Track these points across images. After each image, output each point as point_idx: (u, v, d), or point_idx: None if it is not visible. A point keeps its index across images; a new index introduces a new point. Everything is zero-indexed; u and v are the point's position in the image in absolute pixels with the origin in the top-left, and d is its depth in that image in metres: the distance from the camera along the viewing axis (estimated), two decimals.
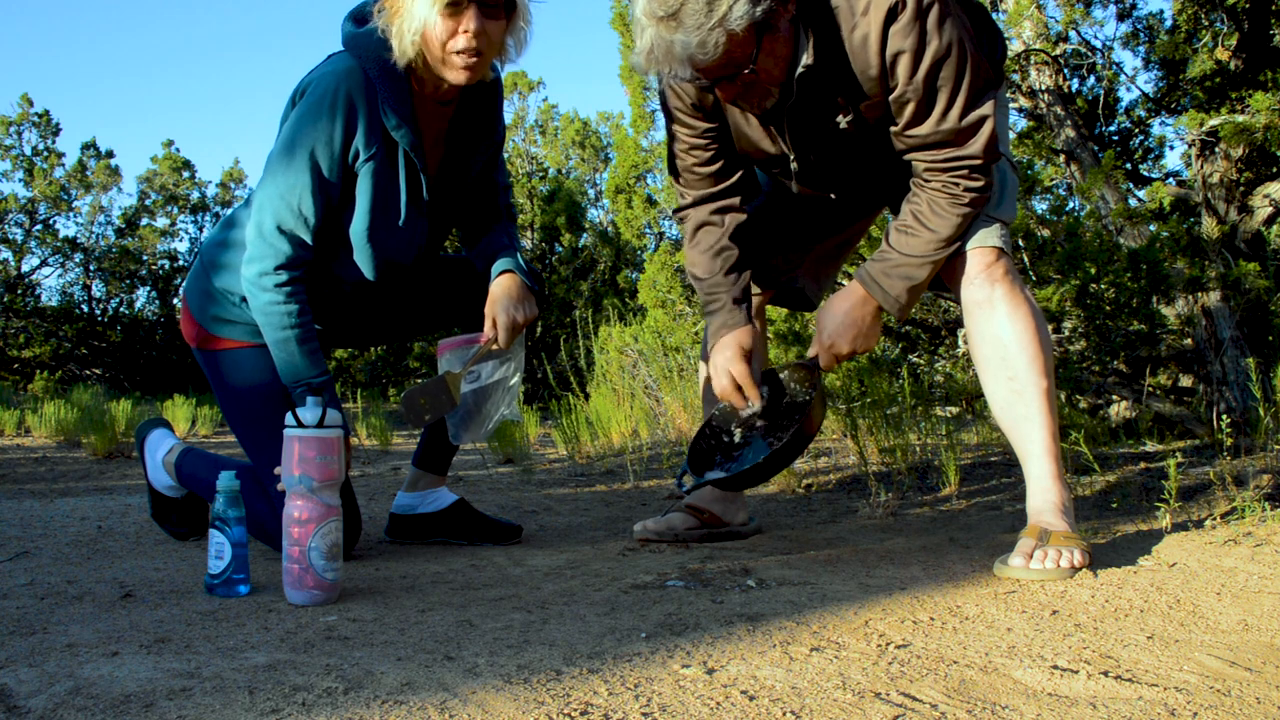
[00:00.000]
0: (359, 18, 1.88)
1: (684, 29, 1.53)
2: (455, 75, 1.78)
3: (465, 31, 1.73)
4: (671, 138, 1.92)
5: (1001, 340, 1.76)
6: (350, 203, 1.87)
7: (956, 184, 1.69)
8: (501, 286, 1.94)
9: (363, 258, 1.91)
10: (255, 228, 1.83)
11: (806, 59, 1.63)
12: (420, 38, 1.75)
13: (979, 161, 1.68)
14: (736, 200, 1.94)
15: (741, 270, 1.93)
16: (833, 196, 1.95)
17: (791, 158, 1.82)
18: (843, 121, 1.72)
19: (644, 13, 1.56)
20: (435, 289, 2.08)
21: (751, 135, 1.83)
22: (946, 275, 1.82)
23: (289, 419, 1.59)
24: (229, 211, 2.10)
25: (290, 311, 1.81)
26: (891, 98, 1.67)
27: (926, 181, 1.72)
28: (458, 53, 1.75)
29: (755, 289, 2.11)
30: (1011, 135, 4.11)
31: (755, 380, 1.87)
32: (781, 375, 1.93)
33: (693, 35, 1.53)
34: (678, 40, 1.54)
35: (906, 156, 1.74)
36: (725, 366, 1.87)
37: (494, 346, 1.92)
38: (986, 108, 1.66)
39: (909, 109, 1.66)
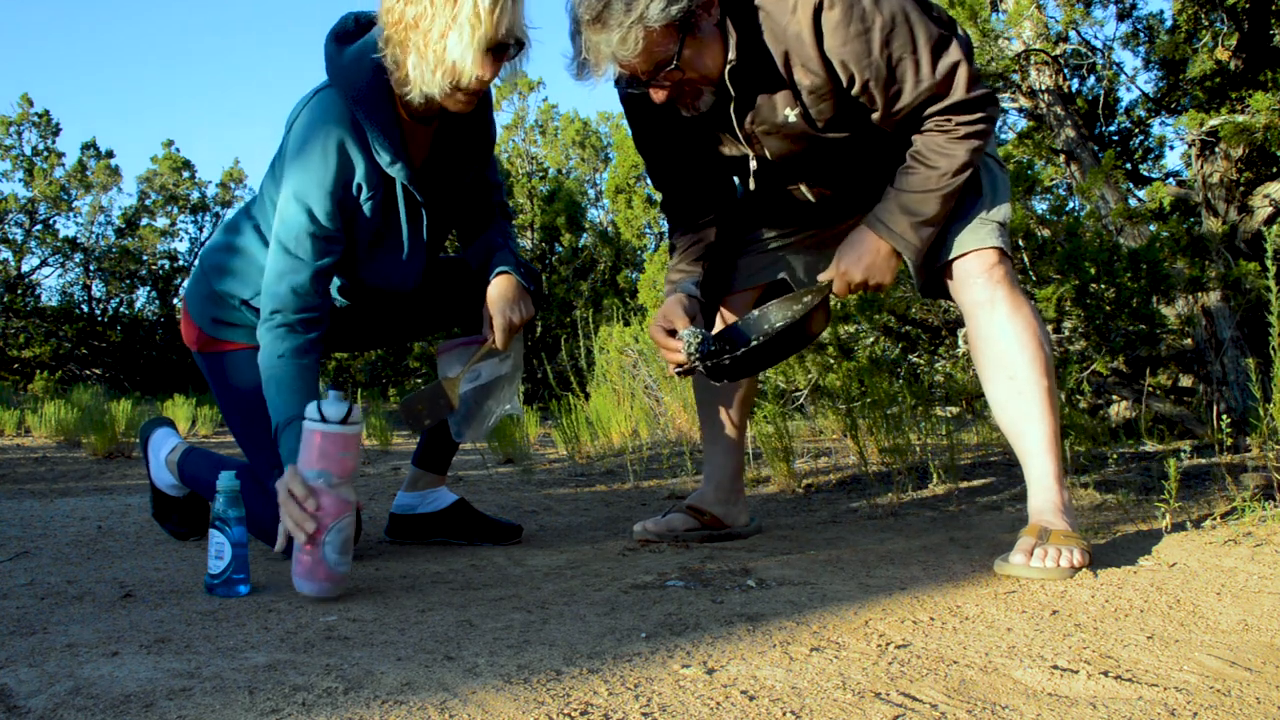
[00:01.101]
0: (341, 35, 1.85)
1: (607, 28, 1.62)
2: (456, 106, 1.79)
3: (487, 77, 1.73)
4: (643, 155, 2.02)
5: (1002, 340, 1.77)
6: (352, 235, 1.87)
7: (948, 120, 1.71)
8: (498, 288, 1.94)
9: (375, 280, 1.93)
10: (266, 278, 1.81)
11: (731, 55, 1.69)
12: (448, 78, 1.72)
13: (967, 98, 1.69)
14: (711, 206, 2.02)
15: (706, 260, 2.01)
16: (807, 193, 1.96)
17: (751, 157, 1.86)
18: (791, 114, 1.76)
19: (575, 20, 1.66)
20: (434, 293, 2.08)
21: (709, 142, 1.88)
22: (948, 278, 1.83)
23: (311, 411, 1.59)
24: (229, 215, 2.11)
25: (276, 352, 1.77)
26: (854, 91, 1.70)
27: (922, 130, 1.74)
28: (471, 92, 1.76)
29: (745, 287, 2.13)
30: (1010, 135, 4.12)
31: (685, 322, 1.88)
32: (799, 303, 1.93)
33: (614, 33, 1.61)
34: (602, 40, 1.63)
35: (903, 133, 1.76)
36: (661, 310, 1.92)
37: (492, 347, 1.93)
38: (953, 52, 1.68)
39: (880, 91, 1.69)
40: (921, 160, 1.73)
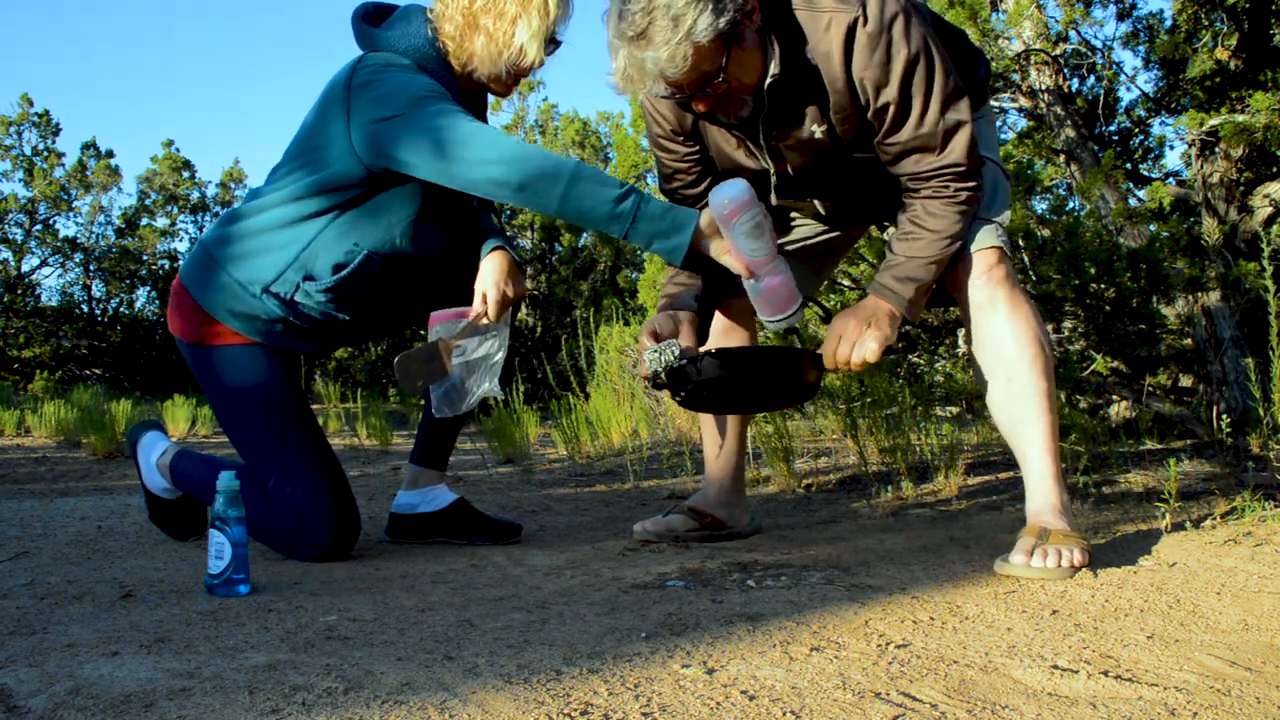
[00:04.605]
0: (366, 16, 1.90)
1: (653, 46, 1.58)
2: (501, 90, 1.96)
3: (542, 64, 1.91)
4: (658, 161, 1.97)
5: (1002, 341, 1.77)
6: (403, 184, 1.87)
7: (946, 186, 1.71)
8: (492, 262, 1.95)
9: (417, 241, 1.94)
10: (497, 152, 1.74)
11: (774, 69, 1.67)
12: (512, 61, 1.89)
13: (963, 167, 1.70)
14: None
15: (706, 270, 1.92)
16: (817, 205, 1.95)
17: (771, 171, 1.84)
18: (817, 131, 1.75)
19: (615, 35, 1.61)
20: (451, 264, 2.05)
21: (730, 153, 1.85)
22: (949, 279, 1.82)
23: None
24: (236, 205, 2.08)
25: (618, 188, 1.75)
26: (870, 112, 1.69)
27: (917, 190, 1.74)
28: (522, 77, 1.94)
29: (740, 293, 2.11)
30: (1011, 135, 4.12)
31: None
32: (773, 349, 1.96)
33: (661, 51, 1.57)
34: (648, 57, 1.59)
35: (892, 170, 1.76)
36: (644, 327, 1.87)
37: (484, 320, 1.93)
38: (963, 112, 1.68)
39: (888, 114, 1.68)
40: (923, 225, 1.73)
